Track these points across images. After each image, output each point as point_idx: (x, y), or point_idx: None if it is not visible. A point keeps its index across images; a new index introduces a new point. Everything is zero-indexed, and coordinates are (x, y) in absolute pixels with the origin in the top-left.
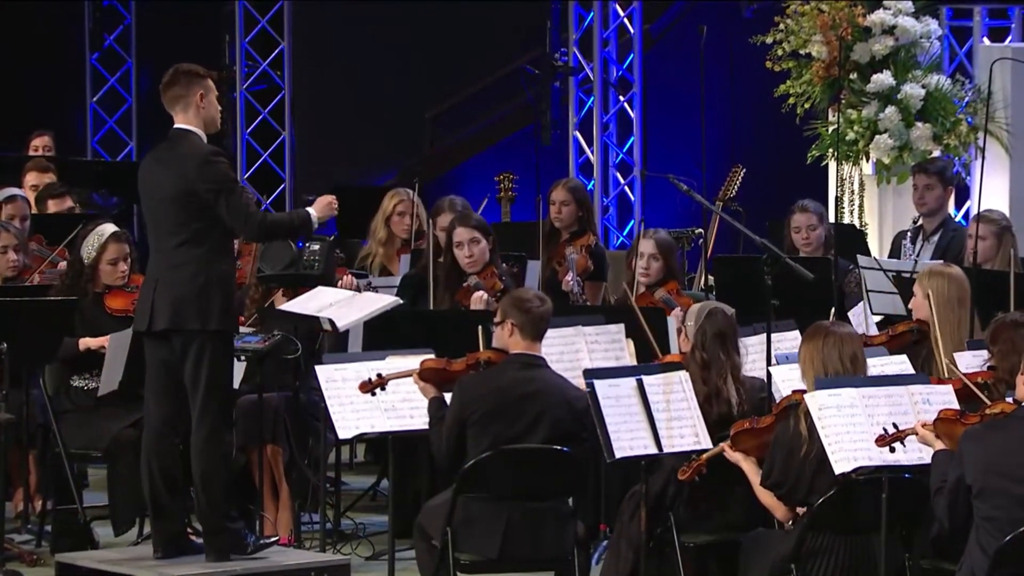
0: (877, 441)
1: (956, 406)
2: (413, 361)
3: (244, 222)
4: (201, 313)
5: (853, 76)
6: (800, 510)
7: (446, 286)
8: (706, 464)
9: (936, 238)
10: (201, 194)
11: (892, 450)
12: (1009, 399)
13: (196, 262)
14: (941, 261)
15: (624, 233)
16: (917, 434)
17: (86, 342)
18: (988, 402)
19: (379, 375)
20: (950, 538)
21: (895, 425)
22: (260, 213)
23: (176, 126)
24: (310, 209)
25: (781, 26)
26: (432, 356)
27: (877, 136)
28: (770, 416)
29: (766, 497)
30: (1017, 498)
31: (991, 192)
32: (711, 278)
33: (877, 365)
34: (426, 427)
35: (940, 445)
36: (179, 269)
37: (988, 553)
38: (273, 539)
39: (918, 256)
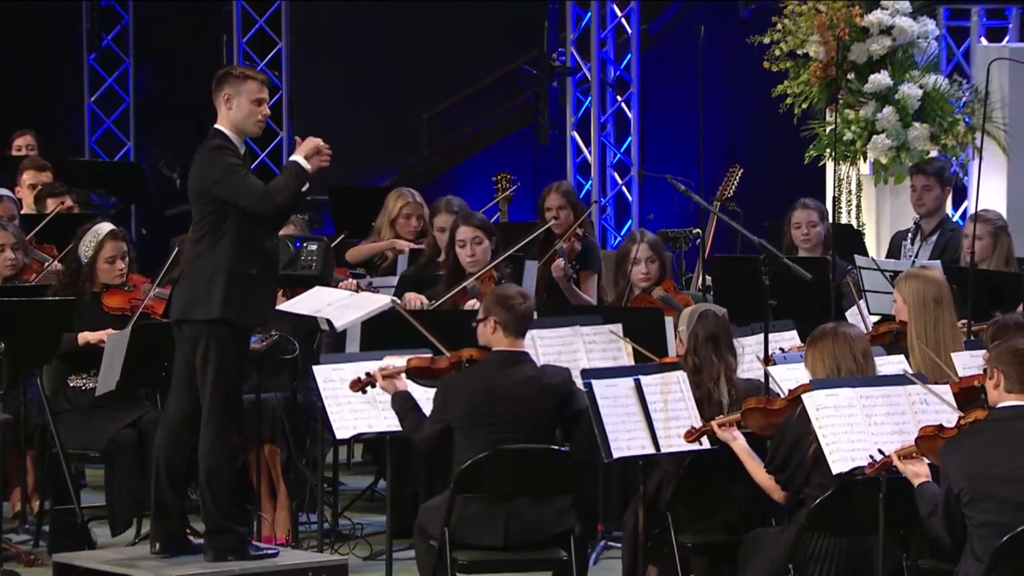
0: (867, 470)
1: (952, 406)
2: (400, 362)
3: (257, 200)
4: (204, 303)
5: (851, 76)
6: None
7: (448, 285)
8: (712, 432)
9: (934, 238)
10: (210, 189)
11: (883, 476)
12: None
13: (208, 254)
14: (938, 262)
15: (622, 233)
16: (897, 464)
17: (85, 336)
18: (957, 408)
19: (368, 373)
20: (955, 552)
21: (881, 452)
22: (265, 186)
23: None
24: (294, 156)
25: (779, 26)
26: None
27: (875, 136)
28: (783, 399)
29: (764, 479)
30: (1006, 500)
31: (988, 192)
32: (708, 278)
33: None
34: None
35: (920, 479)
36: (195, 262)
37: (983, 558)
38: (273, 552)
39: (916, 256)
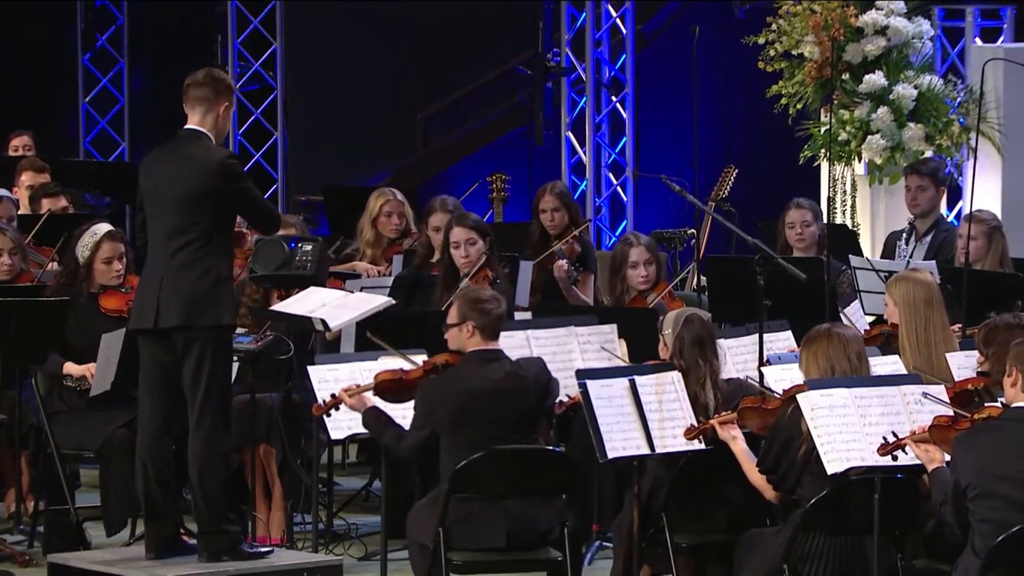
0: (879, 451)
1: (948, 407)
2: (393, 364)
3: (266, 218)
4: (214, 310)
5: (845, 76)
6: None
7: (444, 286)
8: (711, 430)
9: (929, 239)
10: (220, 194)
11: (895, 458)
12: (1000, 401)
13: (205, 260)
14: (933, 262)
15: (617, 234)
16: (911, 447)
17: (70, 368)
18: (962, 412)
19: (332, 395)
20: (965, 542)
21: (894, 434)
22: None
23: (188, 127)
24: None
25: (773, 26)
26: (388, 368)
27: (869, 136)
28: (778, 399)
29: (757, 478)
30: (1011, 500)
31: (983, 193)
32: (703, 278)
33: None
34: None
35: (935, 463)
36: (188, 268)
37: (982, 555)
38: (268, 550)
39: (911, 257)
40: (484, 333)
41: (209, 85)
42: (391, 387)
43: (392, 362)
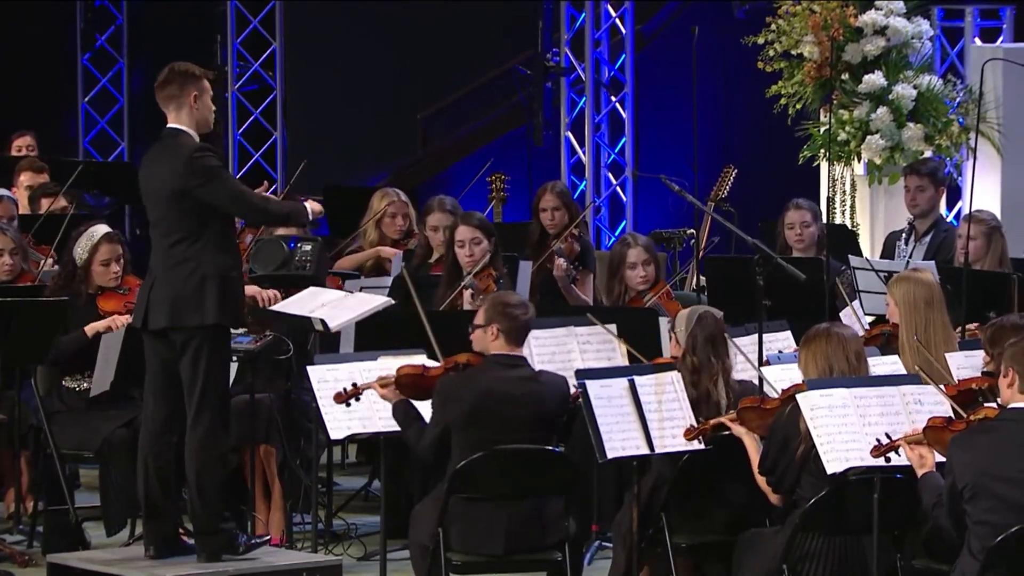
0: (872, 452)
1: (947, 408)
2: (394, 364)
3: (241, 205)
4: (198, 308)
5: (845, 77)
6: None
7: (446, 284)
8: (711, 430)
9: (928, 239)
10: (193, 191)
11: (888, 460)
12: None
13: (192, 259)
14: (932, 262)
15: (616, 234)
16: (904, 449)
17: (93, 326)
18: (941, 385)
19: (354, 384)
20: (960, 545)
21: (888, 436)
22: (260, 197)
23: (168, 126)
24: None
25: (773, 27)
26: (412, 362)
27: (869, 137)
28: (777, 399)
29: (762, 480)
30: (1008, 501)
31: (983, 193)
32: (703, 278)
33: (869, 365)
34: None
35: (926, 468)
36: (175, 268)
37: (979, 557)
38: (263, 538)
39: (910, 257)
40: (508, 337)
41: (173, 81)
42: (411, 382)
43: (395, 362)
